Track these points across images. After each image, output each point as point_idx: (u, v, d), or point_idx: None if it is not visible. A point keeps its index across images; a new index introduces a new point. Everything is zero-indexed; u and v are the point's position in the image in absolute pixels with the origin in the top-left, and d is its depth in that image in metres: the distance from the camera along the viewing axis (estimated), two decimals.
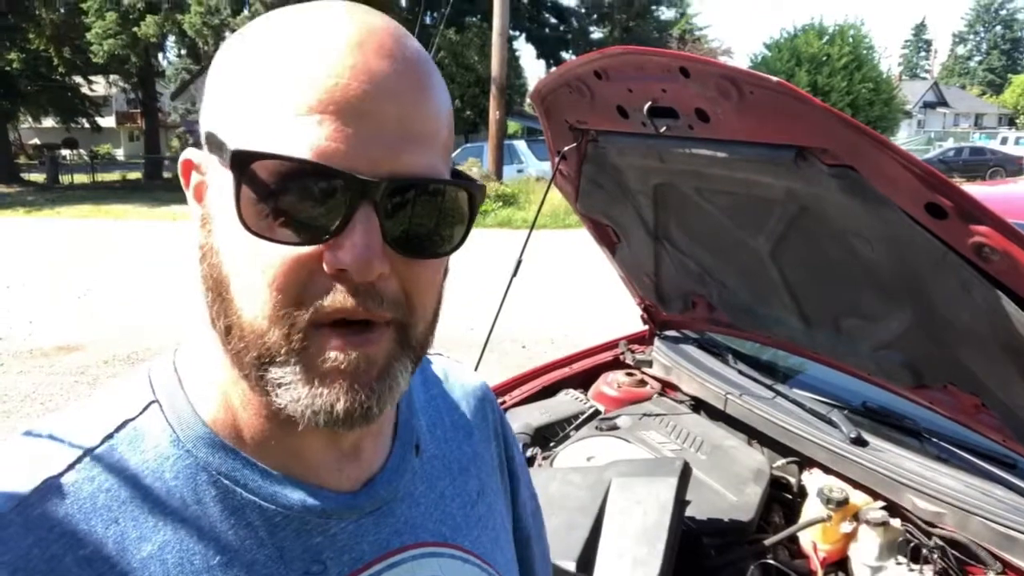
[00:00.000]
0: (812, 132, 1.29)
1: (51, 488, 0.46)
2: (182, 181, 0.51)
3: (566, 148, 2.00)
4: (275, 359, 0.46)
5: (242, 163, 0.43)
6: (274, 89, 0.44)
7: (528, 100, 2.14)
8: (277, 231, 0.44)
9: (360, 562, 0.53)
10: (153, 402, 0.52)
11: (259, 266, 0.45)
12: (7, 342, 6.30)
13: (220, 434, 0.51)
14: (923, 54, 79.08)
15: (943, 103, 49.58)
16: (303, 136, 0.43)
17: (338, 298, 0.45)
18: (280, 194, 0.43)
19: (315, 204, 0.44)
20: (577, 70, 1.70)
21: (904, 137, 33.73)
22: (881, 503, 1.65)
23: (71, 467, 0.48)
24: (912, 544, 1.58)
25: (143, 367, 0.56)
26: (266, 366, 0.47)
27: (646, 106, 1.58)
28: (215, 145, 0.46)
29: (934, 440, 1.74)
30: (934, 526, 1.58)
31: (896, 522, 1.61)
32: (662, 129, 1.60)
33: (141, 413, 0.51)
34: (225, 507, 0.50)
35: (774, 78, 1.25)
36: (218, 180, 0.47)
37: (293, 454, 0.53)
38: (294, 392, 0.46)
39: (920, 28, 79.32)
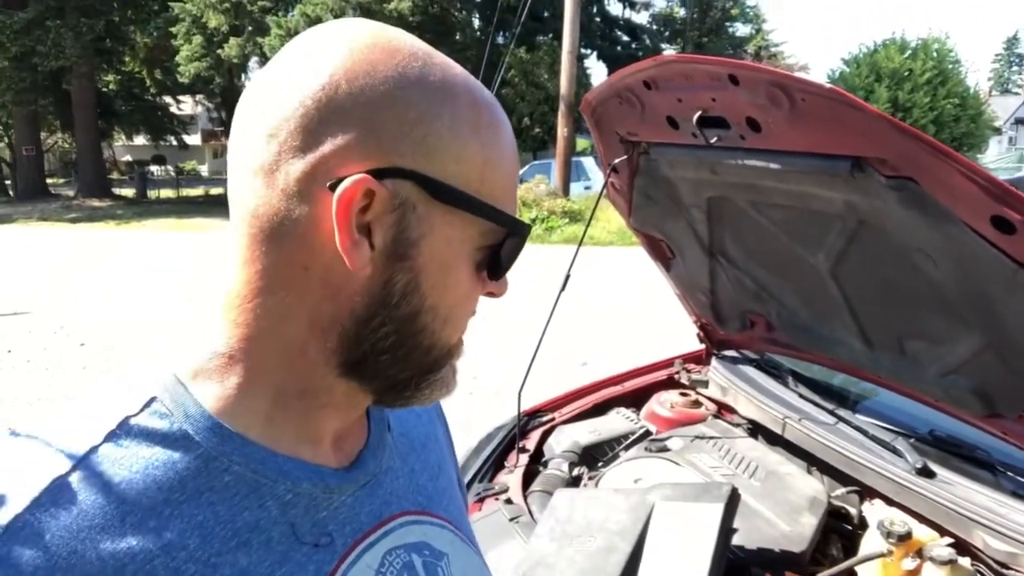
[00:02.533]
0: (868, 141, 1.22)
1: (61, 487, 0.47)
2: (338, 206, 0.49)
3: (617, 161, 1.96)
4: (444, 365, 0.58)
5: (525, 229, 0.57)
6: (494, 172, 0.55)
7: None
8: (485, 271, 0.57)
9: (360, 531, 0.58)
10: (153, 399, 0.53)
11: (472, 299, 0.58)
12: (89, 348, 6.60)
13: (228, 424, 0.53)
14: (1015, 68, 75.50)
15: None
16: (514, 209, 0.57)
17: (472, 316, 0.60)
18: (514, 245, 0.57)
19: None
20: (627, 80, 1.67)
21: (994, 155, 32.13)
22: (948, 540, 1.53)
23: (76, 466, 0.48)
24: None
25: (129, 371, 0.56)
26: (436, 370, 0.58)
27: (696, 116, 1.53)
28: (446, 194, 0.52)
29: (1009, 474, 1.62)
30: (1008, 567, 1.46)
31: (965, 561, 1.49)
32: (713, 140, 1.55)
33: (142, 410, 0.52)
34: (239, 491, 0.52)
35: (826, 84, 1.19)
36: (440, 224, 0.53)
37: (304, 438, 0.56)
38: (443, 387, 0.59)
39: (1012, 41, 75.77)
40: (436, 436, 0.76)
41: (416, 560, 0.61)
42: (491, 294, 0.60)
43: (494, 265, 0.57)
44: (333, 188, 0.49)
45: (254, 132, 0.51)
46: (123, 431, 0.50)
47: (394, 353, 0.55)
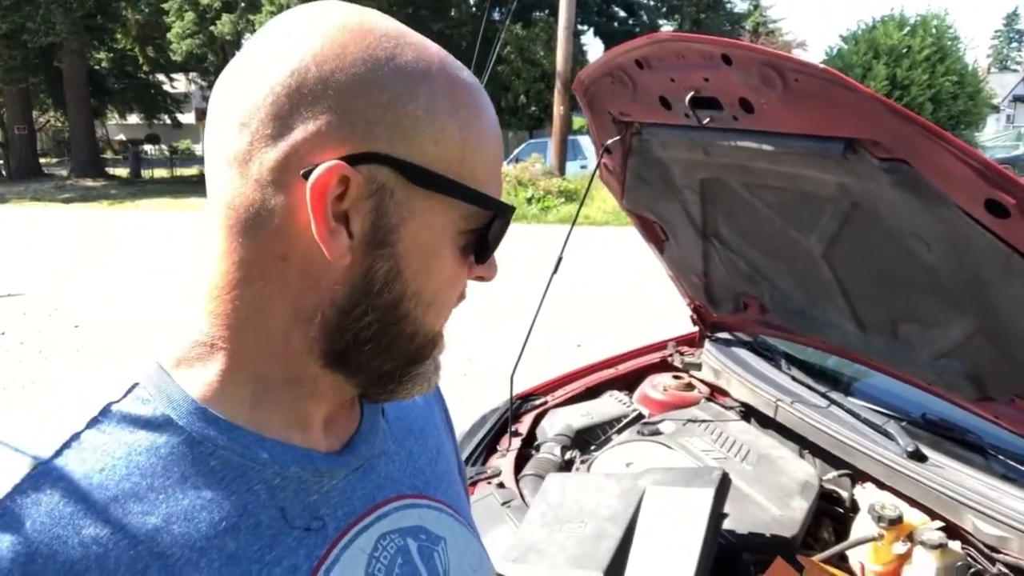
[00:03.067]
0: (861, 123, 1.19)
1: (43, 473, 0.47)
2: (312, 194, 0.48)
3: (610, 141, 1.94)
4: (427, 355, 0.57)
5: (508, 211, 0.55)
6: (475, 153, 0.53)
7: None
8: (470, 255, 0.56)
9: (353, 515, 0.57)
10: (135, 385, 0.53)
11: (456, 284, 0.56)
12: (83, 330, 6.58)
13: (213, 409, 0.52)
14: (1015, 45, 75.02)
15: None
16: (499, 191, 0.56)
17: (462, 299, 0.59)
18: (497, 227, 0.56)
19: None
20: (619, 59, 1.64)
21: (991, 132, 32.00)
22: (939, 523, 1.53)
23: (59, 452, 0.48)
24: (973, 570, 1.46)
25: (116, 366, 0.56)
26: (419, 361, 0.57)
27: (688, 96, 1.50)
28: (424, 178, 0.51)
29: (1000, 457, 1.61)
30: (997, 551, 1.46)
31: (955, 545, 1.49)
32: (705, 121, 1.53)
33: (124, 396, 0.52)
34: (226, 475, 0.51)
35: (819, 64, 1.17)
36: (420, 209, 0.51)
37: (291, 422, 0.56)
38: (426, 380, 0.58)
39: (1012, 18, 75.24)
40: (434, 421, 0.76)
41: (411, 544, 0.60)
42: (480, 278, 0.59)
43: (480, 248, 0.56)
44: (307, 176, 0.48)
45: (227, 122, 0.50)
46: (105, 417, 0.50)
47: (377, 343, 0.54)
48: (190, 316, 0.55)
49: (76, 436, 0.49)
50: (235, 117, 0.49)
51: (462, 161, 0.52)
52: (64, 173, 24.46)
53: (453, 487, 0.72)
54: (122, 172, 25.90)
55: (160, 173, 26.48)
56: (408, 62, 0.50)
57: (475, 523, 0.74)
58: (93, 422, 0.50)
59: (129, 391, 0.52)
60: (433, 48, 0.53)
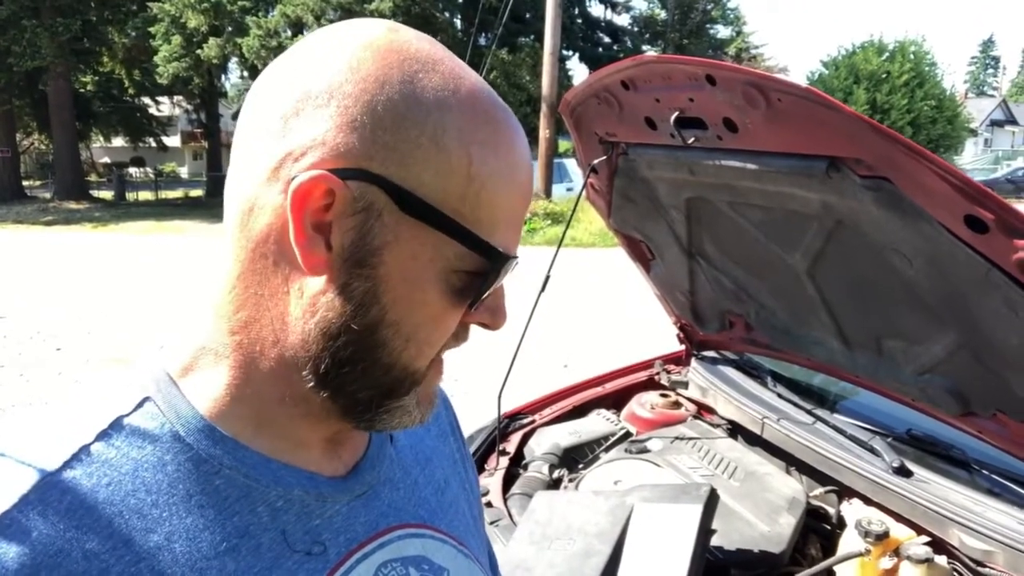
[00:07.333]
0: (844, 141, 1.22)
1: (49, 485, 0.46)
2: (293, 199, 0.47)
3: (596, 161, 1.96)
4: (407, 389, 0.55)
5: (501, 262, 0.52)
6: (481, 193, 0.51)
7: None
8: (464, 298, 0.53)
9: (355, 542, 0.57)
10: (147, 399, 0.52)
11: (443, 323, 0.53)
12: (65, 353, 6.50)
13: (220, 427, 0.52)
14: (991, 71, 76.62)
15: (1012, 121, 47.63)
16: (511, 240, 0.54)
17: (460, 342, 0.57)
18: (489, 276, 0.53)
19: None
20: (605, 80, 1.66)
21: (970, 156, 32.57)
22: (925, 538, 1.54)
23: (67, 464, 0.47)
24: None
25: (125, 369, 0.55)
26: (396, 395, 0.54)
27: (673, 116, 1.53)
28: (414, 206, 0.49)
29: (984, 472, 1.63)
30: (983, 565, 1.47)
31: (941, 559, 1.50)
32: (690, 140, 1.55)
33: (135, 410, 0.51)
34: (229, 495, 0.51)
35: (802, 84, 1.19)
36: (406, 237, 0.49)
37: (295, 444, 0.56)
38: (406, 415, 0.56)
39: (988, 44, 76.96)
40: (445, 451, 0.74)
41: (413, 574, 0.60)
42: (484, 325, 0.57)
43: (473, 293, 0.54)
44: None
45: (244, 120, 0.52)
46: (115, 430, 0.50)
47: (354, 366, 0.52)
48: (196, 313, 0.55)
49: (85, 448, 0.48)
50: (251, 116, 0.51)
51: (464, 198, 0.50)
52: (47, 196, 24.25)
53: (460, 519, 0.70)
54: (106, 195, 25.76)
55: (145, 196, 26.39)
56: (426, 88, 0.49)
57: (485, 558, 0.72)
58: (103, 435, 0.49)
59: (139, 404, 0.52)
60: (468, 81, 0.51)
